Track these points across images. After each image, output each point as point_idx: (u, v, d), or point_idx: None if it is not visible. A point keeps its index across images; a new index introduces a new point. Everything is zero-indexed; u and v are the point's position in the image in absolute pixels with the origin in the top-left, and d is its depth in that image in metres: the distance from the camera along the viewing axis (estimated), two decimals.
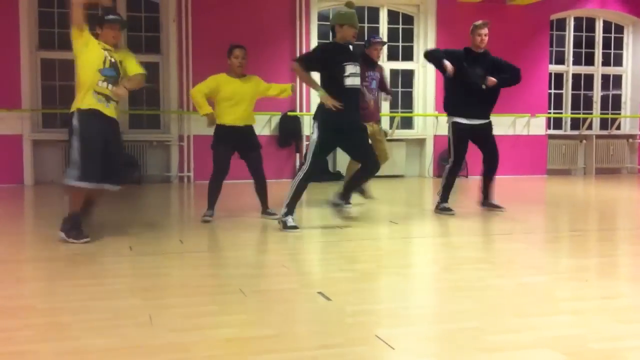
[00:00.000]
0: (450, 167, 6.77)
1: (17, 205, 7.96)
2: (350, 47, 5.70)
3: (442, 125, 11.30)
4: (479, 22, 6.70)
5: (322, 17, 11.24)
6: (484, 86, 6.55)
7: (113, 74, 5.06)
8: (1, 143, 9.80)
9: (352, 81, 5.55)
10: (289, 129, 10.77)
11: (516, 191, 9.21)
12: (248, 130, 6.18)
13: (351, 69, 5.54)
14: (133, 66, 5.26)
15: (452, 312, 3.21)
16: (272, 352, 2.62)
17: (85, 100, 4.97)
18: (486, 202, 6.92)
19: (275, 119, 10.70)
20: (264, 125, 10.66)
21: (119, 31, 5.20)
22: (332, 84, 5.55)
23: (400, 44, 11.78)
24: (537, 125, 12.15)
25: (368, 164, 5.75)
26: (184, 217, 6.61)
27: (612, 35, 12.86)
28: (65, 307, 3.27)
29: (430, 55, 6.77)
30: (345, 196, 5.94)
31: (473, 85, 6.54)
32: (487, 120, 6.77)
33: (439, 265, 4.51)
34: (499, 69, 6.75)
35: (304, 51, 10.65)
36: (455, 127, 6.67)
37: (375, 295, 3.61)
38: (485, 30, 6.65)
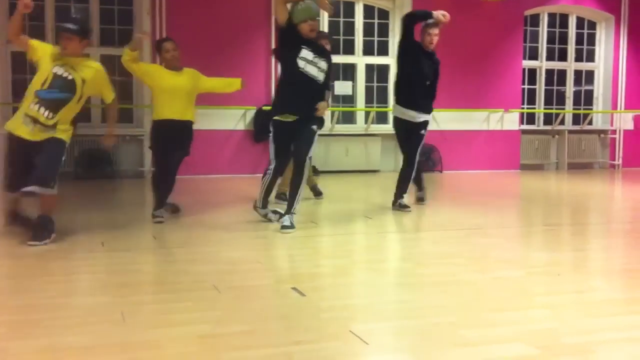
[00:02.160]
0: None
1: None
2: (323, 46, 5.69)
3: None
4: (431, 21, 6.40)
5: None
6: (427, 82, 6.52)
7: (54, 96, 4.70)
8: None
9: (304, 65, 5.38)
10: (264, 124, 10.71)
11: (490, 186, 9.27)
12: (185, 125, 5.90)
13: (306, 53, 5.39)
14: (106, 93, 5.07)
15: (427, 307, 3.22)
16: (246, 348, 2.60)
17: (14, 120, 4.85)
18: (396, 201, 6.61)
19: (250, 113, 10.65)
20: (239, 120, 10.62)
21: (70, 41, 4.75)
22: (285, 62, 5.54)
23: (376, 38, 11.79)
24: (510, 121, 12.24)
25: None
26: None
27: (585, 31, 12.99)
28: (36, 304, 3.22)
29: (408, 17, 6.54)
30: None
31: (423, 78, 6.49)
32: (424, 119, 6.59)
33: (414, 260, 4.52)
34: (437, 71, 6.62)
35: None
36: (395, 125, 6.67)
37: (350, 291, 3.61)
38: (436, 31, 6.43)
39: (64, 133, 4.84)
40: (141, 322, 2.93)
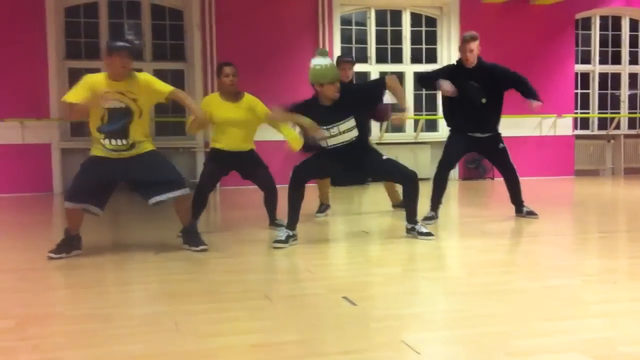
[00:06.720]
0: (435, 173, 6.51)
1: (46, 213, 8.06)
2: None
3: None
4: (467, 34, 6.04)
5: (344, 21, 11.26)
6: (484, 100, 6.02)
7: (115, 127, 4.70)
8: (31, 152, 9.95)
9: (331, 142, 5.27)
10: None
11: (543, 192, 9.11)
12: (245, 154, 5.91)
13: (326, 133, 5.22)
14: (162, 87, 4.87)
15: (479, 316, 3.18)
16: (297, 357, 2.62)
17: (94, 149, 4.85)
18: (520, 210, 6.45)
19: None
20: None
21: (128, 59, 4.69)
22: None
23: (424, 46, 11.75)
24: (563, 126, 12.04)
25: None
26: (210, 222, 6.63)
27: (639, 33, 12.69)
28: (92, 314, 3.30)
29: (422, 80, 6.41)
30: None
31: (471, 100, 6.03)
32: (489, 134, 6.25)
33: (465, 268, 4.47)
34: (500, 77, 6.13)
35: None
36: (452, 133, 6.35)
37: (401, 300, 3.59)
38: (471, 45, 5.97)
39: (147, 144, 4.89)
40: (194, 331, 2.97)
